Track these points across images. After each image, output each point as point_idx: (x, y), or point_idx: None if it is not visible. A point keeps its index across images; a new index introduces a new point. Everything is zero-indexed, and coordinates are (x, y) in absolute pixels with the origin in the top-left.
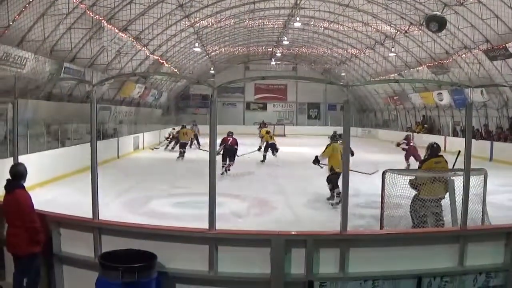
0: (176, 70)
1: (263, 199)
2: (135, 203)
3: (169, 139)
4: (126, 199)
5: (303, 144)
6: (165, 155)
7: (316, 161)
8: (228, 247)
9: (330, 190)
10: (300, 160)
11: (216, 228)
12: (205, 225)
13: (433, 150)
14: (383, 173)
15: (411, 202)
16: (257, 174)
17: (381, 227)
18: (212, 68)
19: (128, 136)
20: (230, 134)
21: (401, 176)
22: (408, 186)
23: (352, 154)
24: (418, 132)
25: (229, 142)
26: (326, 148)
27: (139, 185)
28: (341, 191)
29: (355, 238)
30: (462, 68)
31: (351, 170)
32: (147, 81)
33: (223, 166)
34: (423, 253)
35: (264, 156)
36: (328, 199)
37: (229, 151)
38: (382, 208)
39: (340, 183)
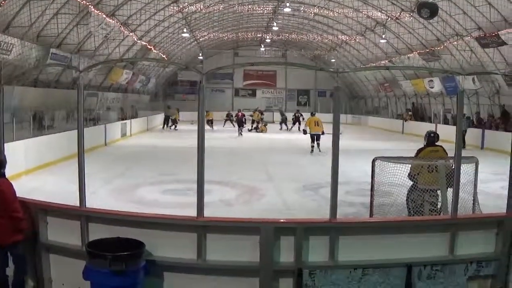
0: (164, 56)
1: (253, 187)
2: (123, 191)
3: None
4: (114, 187)
5: (293, 131)
6: (154, 141)
7: (304, 132)
8: (216, 235)
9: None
10: (290, 147)
11: (204, 215)
12: (193, 212)
13: (430, 139)
14: (373, 161)
15: (408, 192)
16: (247, 161)
17: (371, 214)
18: (200, 54)
19: (116, 122)
20: (239, 110)
21: (391, 163)
22: (406, 177)
23: (323, 133)
24: (406, 120)
25: (240, 116)
26: (307, 121)
27: (127, 172)
28: (317, 148)
29: (345, 226)
30: (454, 56)
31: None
32: (135, 67)
33: (238, 130)
34: (413, 242)
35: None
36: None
37: (240, 121)
38: (372, 196)
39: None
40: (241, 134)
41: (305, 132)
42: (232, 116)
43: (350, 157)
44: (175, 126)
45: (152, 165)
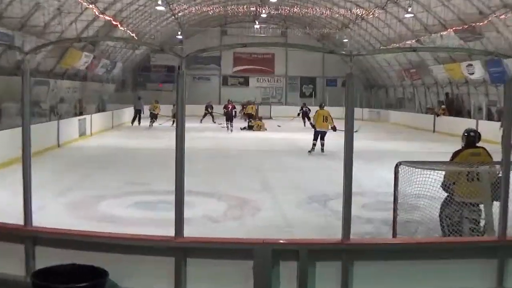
0: (133, 35)
1: (245, 198)
2: (81, 205)
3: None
4: (69, 200)
5: (295, 129)
6: (121, 142)
7: (312, 126)
8: (199, 259)
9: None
10: (291, 149)
11: (184, 235)
12: (171, 231)
13: (469, 139)
14: (396, 167)
15: (442, 206)
16: (238, 165)
17: (394, 234)
18: (179, 33)
19: (72, 118)
20: (229, 101)
21: (419, 170)
22: (439, 187)
23: (334, 130)
24: (438, 115)
25: (229, 108)
26: (314, 114)
27: (86, 181)
28: (322, 146)
29: (361, 249)
30: (501, 33)
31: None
32: (97, 48)
33: (227, 126)
34: (449, 270)
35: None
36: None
37: (230, 114)
38: (394, 210)
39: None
40: (231, 130)
41: (313, 126)
42: (212, 108)
43: (367, 161)
44: (153, 122)
45: (119, 172)
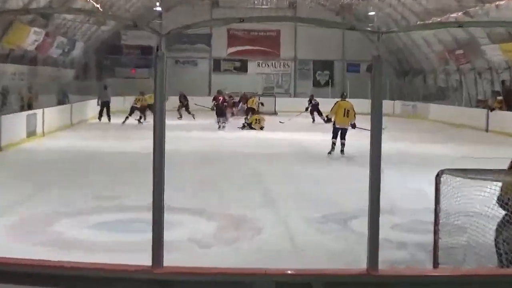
0: (98, 6)
1: (242, 216)
2: (31, 226)
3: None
4: (14, 219)
5: (305, 128)
6: (83, 144)
7: (329, 120)
8: None
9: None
10: (299, 152)
11: (164, 264)
12: (147, 259)
13: None
14: (437, 176)
15: (498, 227)
16: (233, 174)
17: (435, 263)
18: (158, 4)
19: (18, 114)
20: (220, 92)
21: (468, 180)
22: (494, 203)
23: (354, 127)
24: (492, 109)
25: (220, 101)
26: (333, 106)
27: (37, 195)
28: (342, 147)
29: (392, 281)
30: None
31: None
32: (50, 23)
33: (218, 123)
34: None
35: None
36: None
37: (221, 109)
38: (435, 232)
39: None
40: (224, 126)
41: (329, 119)
42: (186, 99)
43: (399, 169)
44: (141, 118)
45: (81, 183)
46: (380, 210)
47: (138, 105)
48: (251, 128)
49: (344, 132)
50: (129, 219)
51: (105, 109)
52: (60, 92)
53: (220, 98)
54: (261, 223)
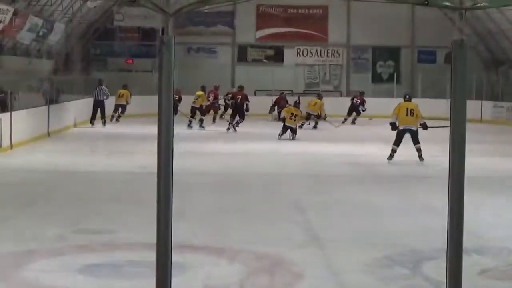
0: None
1: (277, 257)
2: None
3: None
4: None
5: (362, 138)
6: (64, 161)
7: (393, 126)
8: None
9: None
10: (354, 172)
11: None
12: None
13: None
14: None
15: None
16: (264, 201)
17: None
18: None
19: None
20: (240, 88)
21: None
22: None
23: (425, 127)
24: None
25: (239, 99)
26: (394, 108)
27: (2, 227)
28: (419, 153)
29: None
30: None
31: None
32: None
33: (230, 123)
34: None
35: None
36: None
37: (239, 107)
38: None
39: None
40: (237, 126)
41: (394, 126)
42: (180, 98)
43: (488, 194)
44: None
45: (59, 213)
46: (464, 249)
47: (198, 105)
48: (286, 127)
49: (414, 134)
50: (123, 261)
51: (99, 111)
52: (43, 90)
53: (238, 96)
54: (302, 267)
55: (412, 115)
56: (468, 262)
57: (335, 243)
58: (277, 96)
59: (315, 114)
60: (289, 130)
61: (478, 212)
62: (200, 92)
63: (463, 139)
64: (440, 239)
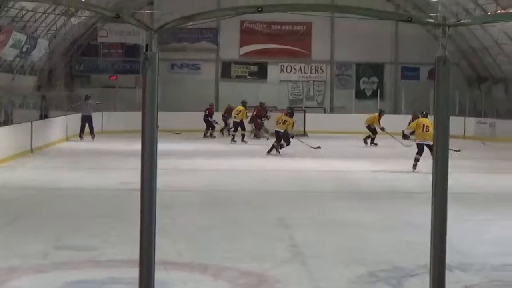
0: None
1: (261, 274)
2: None
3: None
4: None
5: (346, 154)
6: (47, 179)
7: (404, 136)
8: None
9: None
10: (340, 188)
11: None
12: None
13: None
14: None
15: None
16: (249, 218)
17: None
18: None
19: None
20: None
21: None
22: None
23: (406, 138)
24: None
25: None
26: (412, 122)
27: None
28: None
29: None
30: None
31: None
32: (2, 12)
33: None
34: None
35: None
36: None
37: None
38: None
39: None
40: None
41: (406, 136)
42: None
43: (472, 209)
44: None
45: (41, 229)
46: (447, 265)
47: (238, 119)
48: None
49: (430, 148)
50: (105, 278)
51: (87, 125)
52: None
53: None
54: (284, 284)
55: (428, 131)
56: (451, 279)
57: (319, 260)
58: (257, 106)
59: (281, 131)
60: (274, 149)
61: (461, 228)
62: (241, 107)
63: (446, 155)
64: (423, 256)
